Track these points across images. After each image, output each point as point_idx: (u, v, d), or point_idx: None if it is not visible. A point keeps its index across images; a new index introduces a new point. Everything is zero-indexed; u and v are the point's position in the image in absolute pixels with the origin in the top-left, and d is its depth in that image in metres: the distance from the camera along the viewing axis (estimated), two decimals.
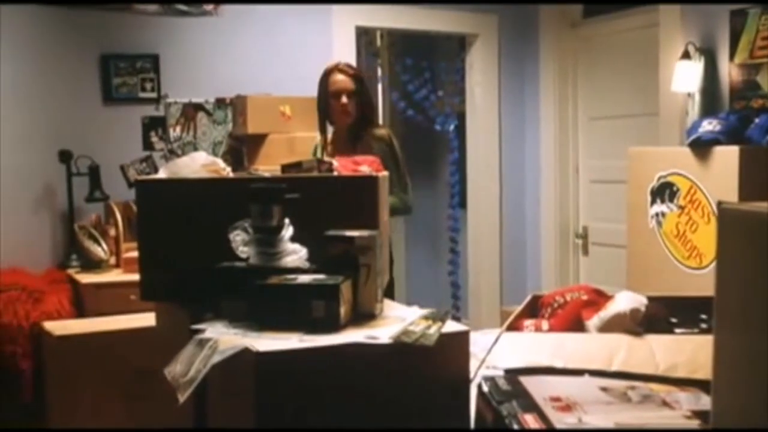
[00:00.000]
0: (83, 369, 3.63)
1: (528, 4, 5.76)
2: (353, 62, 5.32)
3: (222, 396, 1.95)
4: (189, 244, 2.21)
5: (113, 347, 3.67)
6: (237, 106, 4.65)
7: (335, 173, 2.29)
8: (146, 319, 3.33)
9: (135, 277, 3.96)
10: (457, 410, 1.84)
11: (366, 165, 2.32)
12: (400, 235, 6.87)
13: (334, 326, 1.82)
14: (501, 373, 1.91)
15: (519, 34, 5.84)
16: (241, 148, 4.57)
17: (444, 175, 6.76)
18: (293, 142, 4.35)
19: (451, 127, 6.33)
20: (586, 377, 1.93)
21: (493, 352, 2.06)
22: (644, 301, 2.36)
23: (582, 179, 5.70)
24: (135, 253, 4.27)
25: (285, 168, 2.31)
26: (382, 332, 1.81)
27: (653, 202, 4.06)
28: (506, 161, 5.88)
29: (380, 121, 4.16)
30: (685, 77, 4.37)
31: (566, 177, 5.74)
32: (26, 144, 4.53)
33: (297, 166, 2.28)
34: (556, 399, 1.70)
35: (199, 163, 2.35)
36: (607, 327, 2.30)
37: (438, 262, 6.85)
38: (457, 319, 5.00)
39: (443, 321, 1.89)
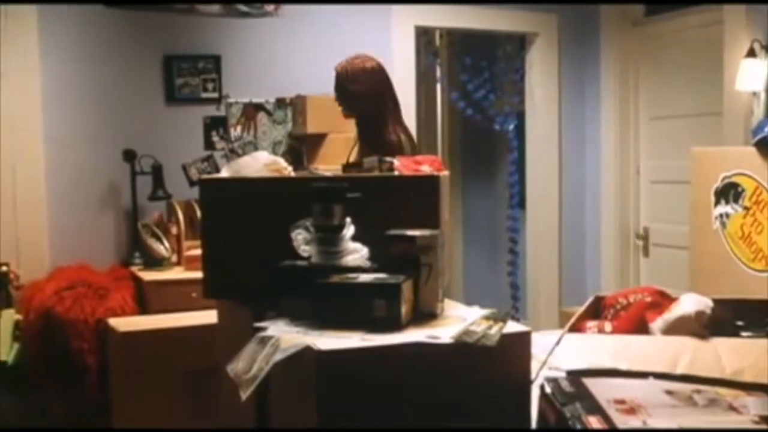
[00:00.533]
0: (147, 365, 3.68)
1: (589, 4, 5.70)
2: (412, 62, 5.34)
3: (283, 394, 1.96)
4: (251, 242, 2.23)
5: (176, 344, 3.72)
6: (297, 105, 4.68)
7: (396, 173, 2.29)
8: (208, 317, 3.37)
9: (196, 274, 4.02)
10: (518, 411, 1.82)
11: (427, 164, 2.31)
12: (458, 234, 6.85)
13: (395, 325, 1.82)
14: (563, 374, 1.88)
15: (579, 33, 5.79)
16: (301, 147, 4.59)
17: (503, 175, 6.73)
18: (352, 142, 4.35)
19: (511, 127, 6.29)
20: (651, 380, 1.89)
21: (555, 353, 2.04)
22: (710, 303, 2.32)
23: (643, 180, 5.63)
24: (196, 251, 4.35)
25: (346, 167, 2.31)
26: (443, 332, 1.80)
27: (717, 202, 3.98)
28: (566, 161, 5.84)
29: (406, 122, 3.82)
30: (750, 75, 4.29)
31: (627, 177, 5.67)
32: (92, 144, 4.62)
33: (358, 165, 2.28)
34: (620, 401, 1.68)
35: (261, 163, 2.37)
36: (672, 329, 2.26)
37: (496, 262, 6.82)
38: (515, 319, 4.96)
39: (504, 321, 1.88)
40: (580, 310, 2.47)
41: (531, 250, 5.99)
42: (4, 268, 4.31)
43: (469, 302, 2.23)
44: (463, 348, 1.75)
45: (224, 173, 2.38)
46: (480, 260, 6.98)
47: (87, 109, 4.64)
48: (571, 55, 5.80)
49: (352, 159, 3.53)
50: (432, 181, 2.19)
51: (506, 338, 1.79)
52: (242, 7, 4.90)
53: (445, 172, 2.32)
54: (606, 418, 1.60)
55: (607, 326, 2.36)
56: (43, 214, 4.54)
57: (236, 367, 1.89)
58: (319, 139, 4.47)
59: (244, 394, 1.82)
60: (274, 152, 4.77)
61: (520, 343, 1.83)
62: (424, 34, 5.99)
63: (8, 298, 4.28)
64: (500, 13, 5.59)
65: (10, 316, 4.19)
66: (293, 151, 4.58)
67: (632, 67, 5.63)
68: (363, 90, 3.61)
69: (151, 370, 3.69)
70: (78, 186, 4.54)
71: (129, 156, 4.55)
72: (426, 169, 2.31)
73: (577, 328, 2.36)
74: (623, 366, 2.00)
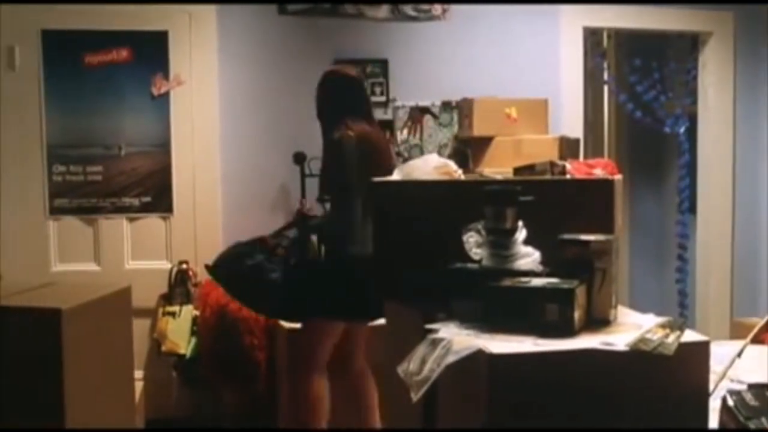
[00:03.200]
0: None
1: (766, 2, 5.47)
2: (580, 64, 5.26)
3: (453, 395, 1.96)
4: (421, 244, 2.24)
5: (342, 342, 3.79)
6: (463, 108, 4.68)
7: (568, 176, 2.26)
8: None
9: None
10: (694, 424, 1.77)
11: (600, 168, 2.28)
12: (624, 239, 6.69)
13: (568, 331, 1.80)
14: (745, 387, 1.82)
15: (757, 32, 5.54)
16: (466, 150, 4.60)
17: (672, 179, 6.52)
18: (519, 145, 4.33)
19: (682, 130, 6.09)
20: None
21: (735, 365, 1.96)
22: None
23: None
24: None
25: (517, 170, 2.30)
26: (617, 339, 1.77)
27: None
28: (740, 165, 5.61)
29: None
30: None
31: None
32: (264, 147, 4.78)
33: (530, 168, 2.26)
34: None
35: (432, 165, 2.39)
36: None
37: (664, 268, 6.62)
38: None
39: (682, 330, 1.82)
40: (761, 321, 2.36)
41: (701, 256, 5.79)
42: (184, 266, 4.52)
43: (634, 309, 2.18)
44: (638, 356, 1.71)
45: (395, 175, 2.41)
46: (647, 266, 6.79)
47: (260, 113, 4.81)
48: (747, 54, 5.57)
49: None
50: (606, 185, 2.16)
51: (684, 347, 1.74)
52: (410, 11, 4.96)
53: (619, 176, 2.28)
54: None
55: None
56: (219, 216, 4.73)
57: (407, 368, 1.91)
58: (485, 142, 4.47)
59: (416, 396, 1.84)
60: (440, 155, 4.79)
61: (699, 353, 1.77)
62: (592, 35, 5.89)
63: (188, 295, 4.49)
64: (672, 12, 5.43)
65: (189, 312, 4.39)
66: (459, 154, 4.59)
67: None
68: (319, 95, 3.71)
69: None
70: (252, 187, 4.70)
71: (299, 159, 4.68)
72: (599, 172, 2.27)
73: (758, 339, 2.26)
74: None
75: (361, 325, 3.63)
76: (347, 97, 3.62)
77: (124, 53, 4.68)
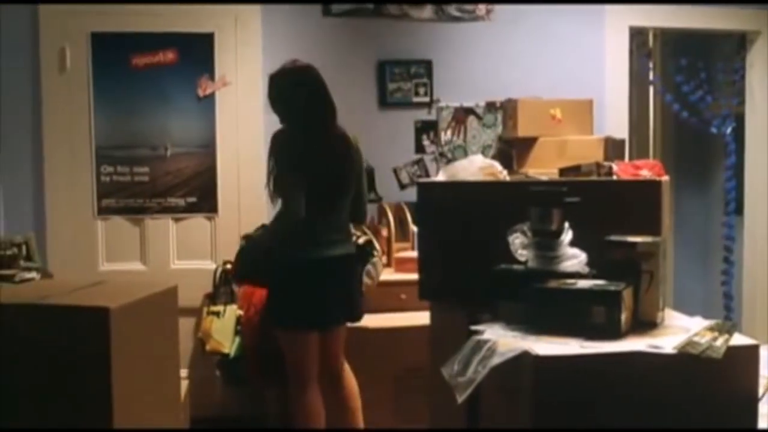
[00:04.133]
0: (357, 362, 3.78)
1: None
2: (625, 63, 5.22)
3: (497, 396, 1.96)
4: (466, 245, 2.25)
5: (386, 343, 3.81)
6: (507, 109, 4.67)
7: (615, 177, 2.25)
8: (417, 318, 3.43)
9: (406, 276, 4.14)
10: (742, 428, 1.75)
11: (647, 169, 2.26)
12: (669, 240, 6.63)
13: (614, 333, 1.79)
14: None
15: None
16: (510, 151, 4.58)
17: (718, 180, 6.44)
18: (564, 146, 4.30)
19: (728, 130, 6.01)
20: None
21: None
22: None
23: None
24: (406, 254, 4.44)
25: (563, 171, 2.29)
26: (665, 342, 1.76)
27: None
28: None
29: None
30: None
31: None
32: None
33: (575, 169, 2.25)
34: None
35: (477, 166, 2.39)
36: None
37: (708, 271, 6.54)
38: None
39: (730, 333, 1.81)
40: None
41: (748, 259, 5.71)
42: (229, 266, 4.55)
43: (678, 311, 2.17)
44: (686, 359, 1.70)
45: (440, 176, 2.42)
46: (691, 268, 6.71)
47: None
48: None
49: None
50: (653, 186, 2.15)
51: (733, 351, 1.72)
52: (454, 12, 4.95)
53: (666, 177, 2.26)
54: None
55: None
56: (263, 216, 4.75)
57: (451, 369, 1.91)
58: (529, 142, 4.45)
59: (461, 398, 1.84)
60: (484, 156, 4.78)
61: (748, 357, 1.76)
62: (637, 35, 5.84)
63: (232, 295, 4.52)
64: (719, 11, 5.37)
65: (233, 311, 4.42)
66: (503, 155, 4.57)
67: None
68: (270, 96, 3.61)
69: (361, 368, 3.79)
70: None
71: None
72: (646, 173, 2.26)
73: None
74: None
75: (333, 331, 3.57)
76: (290, 96, 3.53)
77: (170, 55, 4.74)
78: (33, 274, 3.45)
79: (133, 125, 4.74)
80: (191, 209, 4.80)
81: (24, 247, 3.69)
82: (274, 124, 4.41)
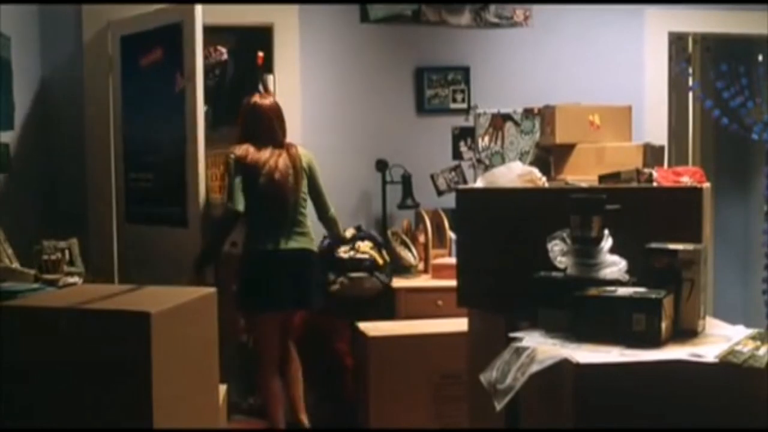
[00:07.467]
0: (394, 369, 3.78)
1: None
2: (665, 69, 5.18)
3: (536, 404, 1.96)
4: (505, 252, 2.25)
5: (423, 350, 3.80)
6: (545, 115, 4.64)
7: (655, 184, 2.23)
8: (455, 325, 3.43)
9: (443, 283, 4.15)
10: None
11: (688, 176, 2.24)
12: (709, 248, 6.56)
13: (654, 341, 1.78)
14: None
15: None
16: (548, 158, 4.56)
17: (759, 187, 6.37)
18: (603, 152, 4.27)
19: None
20: None
21: None
22: None
23: None
24: (443, 260, 4.44)
25: (603, 178, 2.28)
26: (706, 350, 1.75)
27: None
28: None
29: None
30: None
31: None
32: (347, 154, 4.82)
33: (615, 176, 2.24)
34: None
35: (516, 173, 2.39)
36: None
37: (750, 278, 6.46)
38: None
39: None
40: None
41: None
42: None
43: (719, 320, 2.15)
44: (728, 369, 1.68)
45: (479, 183, 2.42)
46: (732, 276, 6.64)
47: (342, 120, 4.85)
48: None
49: None
50: (694, 194, 2.13)
51: None
52: (492, 18, 4.95)
53: (707, 184, 2.24)
54: None
55: None
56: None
57: (490, 376, 1.91)
58: (567, 149, 4.41)
59: (499, 405, 1.84)
60: (521, 163, 4.76)
61: None
62: (677, 41, 5.79)
63: None
64: (759, 16, 5.31)
65: None
66: (540, 162, 4.55)
67: None
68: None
69: (398, 374, 3.80)
70: (332, 194, 4.70)
71: (381, 165, 4.70)
72: (686, 180, 2.24)
73: None
74: None
75: (283, 315, 4.05)
76: (249, 124, 4.08)
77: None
78: (76, 279, 3.49)
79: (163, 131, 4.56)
80: None
81: (67, 252, 3.74)
82: (313, 129, 4.50)
